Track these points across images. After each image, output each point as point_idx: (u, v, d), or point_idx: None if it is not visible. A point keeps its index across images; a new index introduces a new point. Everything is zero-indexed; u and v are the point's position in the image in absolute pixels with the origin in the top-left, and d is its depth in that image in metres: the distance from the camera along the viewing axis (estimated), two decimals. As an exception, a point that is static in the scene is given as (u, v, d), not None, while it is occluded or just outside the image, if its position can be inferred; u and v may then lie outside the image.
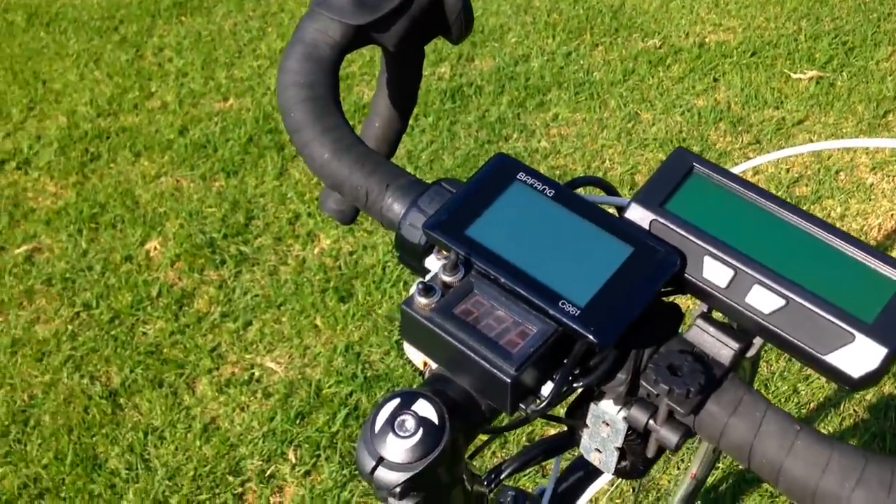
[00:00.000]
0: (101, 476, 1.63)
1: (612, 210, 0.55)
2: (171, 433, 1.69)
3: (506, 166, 0.52)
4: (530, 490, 0.78)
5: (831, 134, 2.20)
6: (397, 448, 0.45)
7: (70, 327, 1.90)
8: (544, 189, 0.51)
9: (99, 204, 2.19)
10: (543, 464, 1.27)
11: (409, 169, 2.19)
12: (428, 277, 0.48)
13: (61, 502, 1.60)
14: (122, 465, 1.65)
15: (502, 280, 0.47)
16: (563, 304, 0.46)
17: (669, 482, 1.58)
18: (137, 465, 1.64)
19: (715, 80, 2.40)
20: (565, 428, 0.57)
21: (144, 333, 1.88)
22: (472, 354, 0.46)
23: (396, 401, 0.46)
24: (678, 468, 1.58)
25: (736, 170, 0.56)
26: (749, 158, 2.13)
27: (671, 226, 0.49)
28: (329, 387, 1.74)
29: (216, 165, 2.26)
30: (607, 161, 2.19)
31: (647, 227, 0.49)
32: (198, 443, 1.67)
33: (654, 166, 2.16)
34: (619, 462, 0.54)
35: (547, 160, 2.20)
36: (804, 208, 2.00)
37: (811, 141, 2.18)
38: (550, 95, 2.41)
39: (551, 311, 0.46)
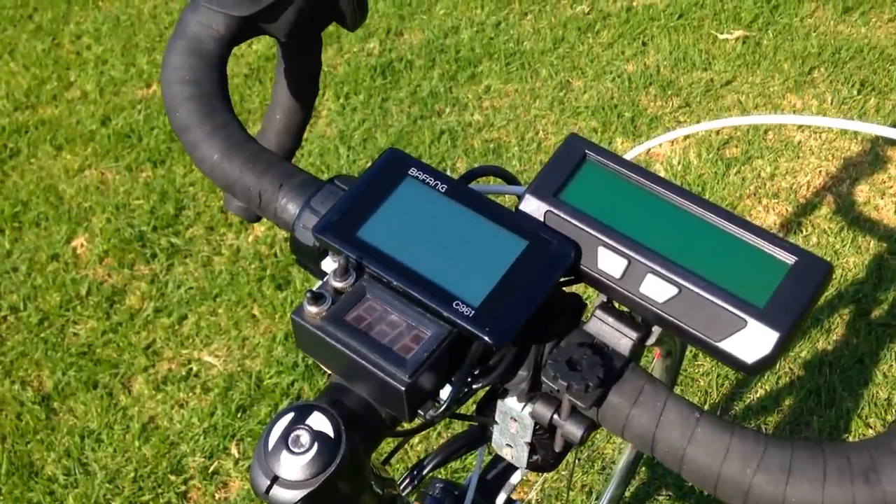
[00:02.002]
0: (39, 483, 1.59)
1: (507, 200, 0.53)
2: (108, 435, 1.65)
3: (397, 162, 0.51)
4: (460, 481, 0.77)
5: (759, 94, 2.22)
6: (292, 465, 0.43)
7: (-3, 332, 1.83)
8: (437, 184, 0.49)
9: (21, 202, 2.11)
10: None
11: (342, 150, 2.16)
12: (317, 285, 0.47)
13: (-2, 513, 1.56)
14: (59, 470, 1.61)
15: (394, 283, 0.46)
16: (456, 304, 0.45)
17: (613, 451, 1.60)
18: (76, 470, 1.60)
19: (644, 44, 2.40)
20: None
21: (75, 334, 1.83)
22: (365, 363, 0.44)
23: (290, 415, 0.45)
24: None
25: (632, 153, 0.56)
26: (679, 122, 2.14)
27: (565, 216, 0.48)
28: (270, 377, 1.72)
29: (142, 155, 2.19)
30: (541, 131, 2.19)
31: (541, 218, 0.48)
32: (137, 443, 1.63)
33: (588, 135, 2.16)
34: (530, 456, 0.53)
35: (481, 133, 2.19)
36: (735, 170, 2.03)
37: (739, 101, 2.20)
38: (482, 67, 2.38)
39: (445, 313, 0.45)
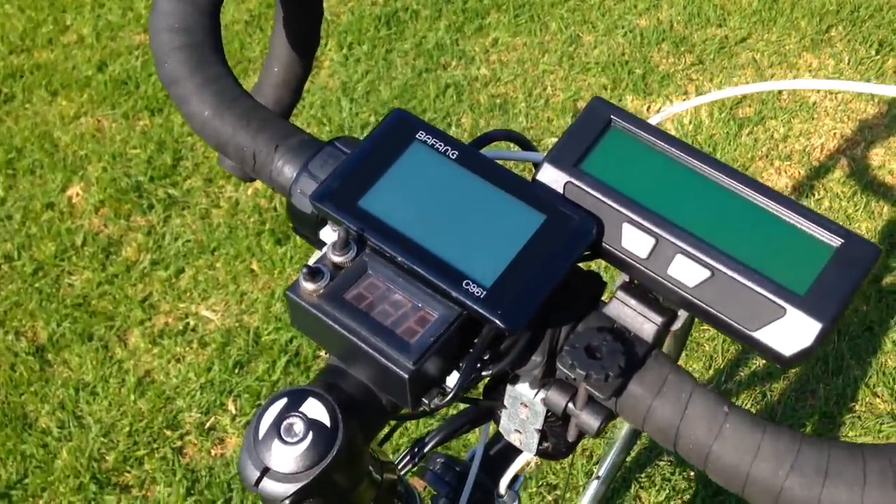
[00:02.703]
0: (32, 436, 1.57)
1: (522, 170, 0.49)
2: (103, 388, 1.63)
3: (404, 124, 0.46)
4: (461, 456, 0.74)
5: (774, 52, 2.15)
6: (284, 456, 0.40)
7: (-9, 282, 1.80)
8: (447, 150, 0.45)
9: (15, 148, 2.06)
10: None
11: (345, 103, 2.10)
12: (314, 259, 0.43)
13: (-9, 465, 1.54)
14: (53, 423, 1.59)
15: (399, 259, 0.42)
16: (466, 284, 0.41)
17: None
18: (70, 423, 1.58)
19: (657, -2, 2.32)
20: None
21: (70, 285, 1.79)
22: (366, 346, 0.40)
23: (283, 401, 0.41)
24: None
25: (658, 117, 0.51)
26: (691, 81, 2.08)
27: (587, 188, 0.43)
28: (268, 334, 1.69)
29: (139, 103, 2.14)
30: (549, 87, 2.13)
31: (561, 190, 0.44)
32: (132, 397, 1.61)
33: (597, 91, 2.10)
34: (540, 443, 0.50)
35: (487, 88, 2.13)
36: (747, 131, 1.97)
37: (754, 59, 2.14)
38: (489, 19, 2.31)
39: (454, 294, 0.41)
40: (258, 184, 1.94)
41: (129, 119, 2.11)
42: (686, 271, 0.41)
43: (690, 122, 2.00)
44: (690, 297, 0.41)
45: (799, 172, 1.91)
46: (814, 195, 1.86)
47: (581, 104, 2.08)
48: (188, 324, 1.72)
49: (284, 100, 0.67)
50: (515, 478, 0.72)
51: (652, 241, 0.42)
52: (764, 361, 1.64)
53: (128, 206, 1.91)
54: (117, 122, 2.11)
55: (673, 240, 0.41)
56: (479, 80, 2.15)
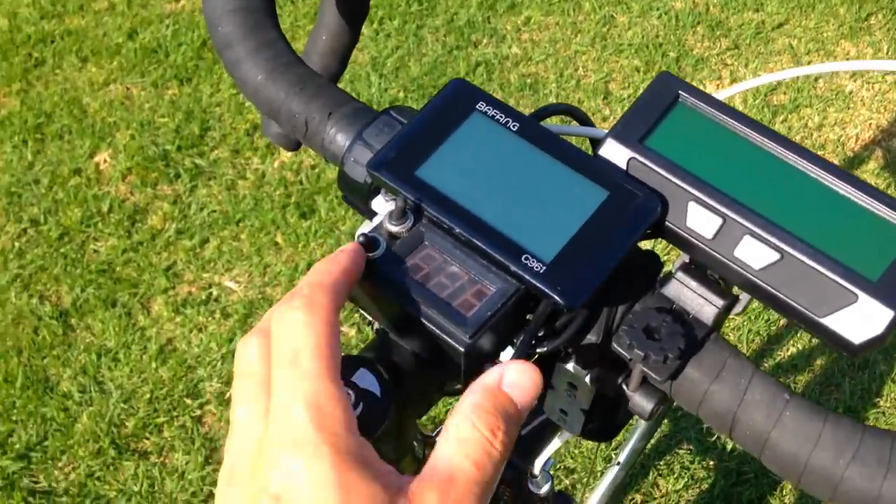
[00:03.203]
0: (54, 399, 1.58)
1: (584, 144, 0.48)
2: (125, 355, 1.63)
3: (464, 94, 0.45)
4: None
5: (811, 38, 2.11)
6: (335, 426, 0.39)
7: (17, 244, 1.81)
8: (507, 122, 0.44)
9: (44, 113, 2.06)
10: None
11: (374, 78, 2.08)
12: (370, 228, 0.42)
13: (13, 425, 1.55)
14: (74, 387, 1.60)
15: (457, 230, 0.41)
16: (526, 259, 0.40)
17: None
18: (91, 388, 1.59)
19: (693, -19, 2.29)
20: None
21: (95, 251, 1.80)
22: (423, 319, 0.40)
23: (334, 370, 0.40)
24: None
25: (726, 93, 0.50)
26: (726, 66, 2.05)
27: (652, 165, 0.42)
28: (291, 306, 1.68)
29: (168, 72, 2.13)
30: (580, 68, 2.10)
31: (624, 166, 0.43)
32: (154, 365, 1.62)
33: (629, 74, 2.08)
34: (585, 424, 0.49)
35: (518, 67, 2.11)
36: (781, 118, 1.94)
37: (790, 46, 2.10)
38: (521, -3, 2.28)
39: (513, 268, 0.40)
40: (285, 157, 1.94)
41: (158, 87, 2.10)
42: (754, 253, 0.40)
43: (723, 109, 1.97)
44: (757, 280, 0.40)
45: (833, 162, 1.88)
46: (846, 187, 1.84)
47: (613, 86, 2.05)
48: (211, 294, 1.72)
49: (332, 68, 0.66)
50: (547, 459, 0.71)
51: (719, 220, 0.40)
52: (788, 354, 1.63)
53: (154, 175, 1.91)
54: (146, 90, 2.10)
55: (741, 220, 0.40)
56: (510, 58, 2.13)
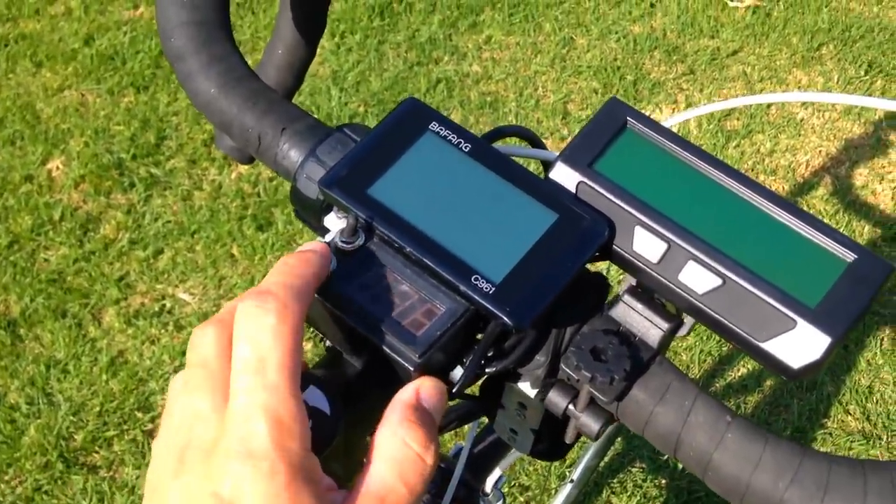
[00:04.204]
0: (1, 411, 1.54)
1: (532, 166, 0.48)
2: (75, 366, 1.60)
3: (417, 114, 0.45)
4: (446, 451, 0.74)
5: (764, 66, 2.17)
6: (281, 444, 0.39)
7: (-36, 252, 1.77)
8: (459, 142, 0.44)
9: (-4, 118, 2.02)
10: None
11: (334, 91, 2.08)
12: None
13: (-44, 439, 1.51)
14: (22, 399, 1.56)
15: (408, 249, 0.41)
16: (476, 279, 0.40)
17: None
18: (39, 400, 1.56)
19: (652, 5, 2.33)
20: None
21: (46, 260, 1.76)
22: (371, 337, 0.40)
23: (282, 388, 0.40)
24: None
25: (673, 120, 0.51)
26: (682, 90, 2.09)
27: (600, 189, 0.43)
28: (245, 319, 1.67)
29: (125, 79, 2.11)
30: (540, 88, 2.12)
31: (573, 190, 0.43)
32: (104, 377, 1.59)
33: (588, 95, 2.11)
34: (534, 444, 0.49)
35: (478, 86, 2.12)
36: (734, 143, 1.98)
37: (744, 73, 2.15)
38: (484, 16, 2.31)
39: (462, 288, 0.40)
40: (243, 168, 1.93)
41: (114, 95, 2.08)
42: (697, 278, 0.41)
43: (679, 132, 2.01)
44: (700, 304, 0.41)
45: (783, 188, 1.92)
46: (796, 211, 1.88)
47: (571, 107, 2.08)
48: (164, 305, 1.70)
49: (287, 83, 0.66)
50: (499, 476, 0.72)
51: (664, 245, 0.41)
52: (738, 374, 1.65)
53: (108, 183, 1.89)
54: (102, 97, 2.07)
55: (685, 246, 0.41)
56: (471, 76, 2.14)
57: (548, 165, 0.45)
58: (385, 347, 0.39)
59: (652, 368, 0.43)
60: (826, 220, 1.82)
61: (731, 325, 0.40)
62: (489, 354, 0.42)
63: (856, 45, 2.21)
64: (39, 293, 1.70)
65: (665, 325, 0.43)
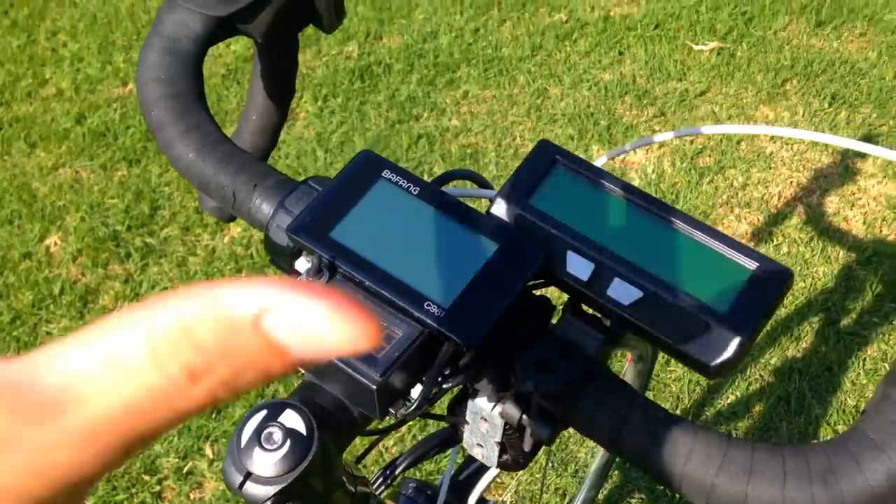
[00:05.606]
0: (7, 483, 1.57)
1: (480, 203, 0.54)
2: (78, 435, 1.64)
3: (371, 164, 0.51)
4: (435, 482, 0.78)
5: (732, 105, 2.25)
6: (264, 461, 0.44)
7: (-33, 330, 1.81)
8: (409, 187, 0.50)
9: (-6, 199, 2.09)
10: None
11: (319, 153, 2.16)
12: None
13: (-36, 513, 1.54)
14: (28, 470, 1.59)
15: (367, 283, 0.47)
16: (427, 305, 0.46)
17: (586, 454, 1.61)
18: (44, 470, 1.59)
19: (620, 53, 2.42)
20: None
21: (48, 333, 1.81)
22: (337, 361, 0.45)
23: (263, 413, 0.45)
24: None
25: (601, 160, 0.57)
26: (655, 131, 2.17)
27: (535, 220, 0.49)
28: (243, 378, 1.71)
29: (117, 154, 2.18)
30: (518, 138, 2.20)
31: (511, 222, 0.49)
32: (107, 443, 1.62)
33: (564, 142, 2.18)
34: (500, 456, 0.54)
35: (458, 138, 2.20)
36: (708, 179, 2.05)
37: (713, 112, 2.23)
38: (460, 72, 2.40)
39: (416, 314, 0.45)
40: (235, 232, 1.99)
41: (107, 170, 2.15)
42: (622, 292, 0.46)
43: (654, 171, 2.08)
44: (627, 315, 0.46)
45: (758, 219, 1.99)
46: (772, 240, 1.94)
47: (549, 154, 2.15)
48: (164, 370, 1.74)
49: (261, 145, 0.72)
50: (486, 502, 0.76)
51: (592, 265, 0.47)
52: (728, 402, 1.69)
53: (105, 255, 1.95)
54: (95, 172, 2.15)
55: (611, 264, 0.46)
56: (451, 130, 2.22)
57: (492, 202, 0.51)
58: (349, 369, 0.44)
59: (592, 376, 0.48)
60: (802, 248, 1.88)
61: (654, 332, 0.45)
62: (446, 372, 0.47)
63: (818, 79, 2.30)
64: (41, 365, 1.74)
65: (601, 337, 0.48)
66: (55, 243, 1.99)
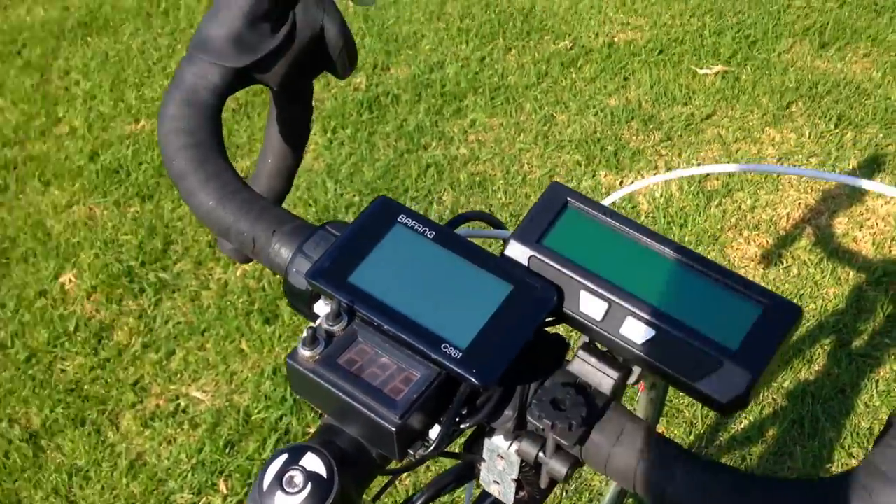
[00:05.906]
0: (25, 521, 1.58)
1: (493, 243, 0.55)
2: (96, 472, 1.65)
3: (387, 209, 0.53)
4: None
5: (738, 127, 2.26)
6: (286, 505, 0.45)
7: (-16, 368, 1.83)
8: (425, 231, 0.51)
9: (8, 238, 2.12)
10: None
11: (329, 184, 2.18)
12: (309, 330, 0.48)
13: (-17, 552, 1.55)
14: (46, 508, 1.60)
15: (385, 327, 0.48)
16: (444, 347, 0.47)
17: (601, 483, 1.61)
18: (62, 507, 1.60)
19: (625, 79, 2.44)
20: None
21: (63, 370, 1.83)
22: (357, 404, 0.46)
23: (284, 456, 0.46)
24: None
25: (613, 197, 0.58)
26: (661, 156, 2.18)
27: (548, 261, 0.50)
28: (258, 412, 1.72)
29: (130, 190, 2.21)
30: (525, 165, 2.22)
31: (526, 263, 0.50)
32: (125, 480, 1.63)
33: (572, 168, 2.20)
34: (517, 493, 0.55)
35: (467, 167, 2.22)
36: (716, 202, 2.06)
37: (719, 135, 2.25)
38: (467, 101, 2.42)
39: (433, 356, 0.47)
40: (247, 266, 2.00)
41: (121, 206, 2.18)
42: (635, 331, 0.47)
43: (662, 196, 2.09)
44: (640, 353, 0.47)
45: (767, 241, 1.99)
46: (782, 263, 1.94)
47: (557, 179, 2.16)
48: (179, 405, 1.75)
49: (278, 187, 0.74)
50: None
51: (605, 305, 0.48)
52: (741, 427, 1.69)
53: (119, 291, 1.96)
54: (109, 209, 2.17)
55: (623, 304, 0.47)
56: (459, 159, 2.24)
57: (504, 245, 0.52)
58: (369, 412, 0.45)
59: (607, 414, 0.48)
60: (812, 269, 1.89)
61: (666, 369, 0.46)
62: (463, 412, 0.48)
63: (823, 101, 2.31)
64: (58, 403, 1.76)
65: (615, 374, 0.49)
66: (70, 280, 2.01)
